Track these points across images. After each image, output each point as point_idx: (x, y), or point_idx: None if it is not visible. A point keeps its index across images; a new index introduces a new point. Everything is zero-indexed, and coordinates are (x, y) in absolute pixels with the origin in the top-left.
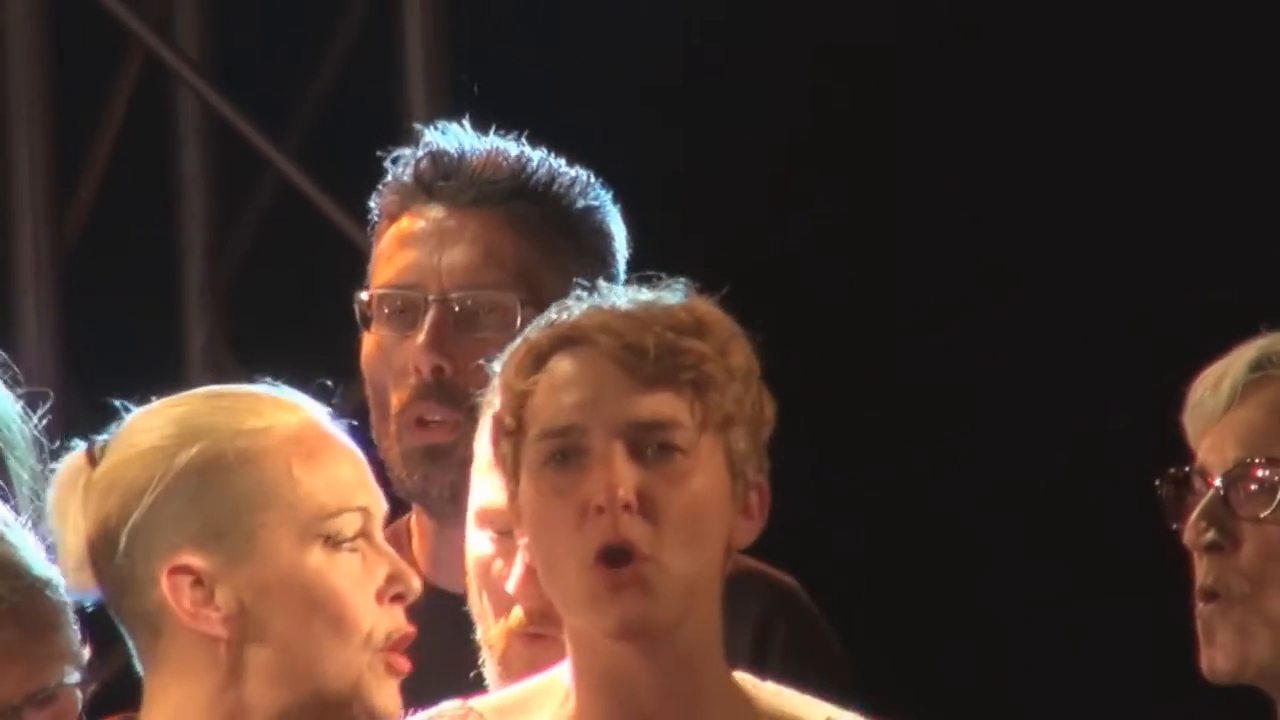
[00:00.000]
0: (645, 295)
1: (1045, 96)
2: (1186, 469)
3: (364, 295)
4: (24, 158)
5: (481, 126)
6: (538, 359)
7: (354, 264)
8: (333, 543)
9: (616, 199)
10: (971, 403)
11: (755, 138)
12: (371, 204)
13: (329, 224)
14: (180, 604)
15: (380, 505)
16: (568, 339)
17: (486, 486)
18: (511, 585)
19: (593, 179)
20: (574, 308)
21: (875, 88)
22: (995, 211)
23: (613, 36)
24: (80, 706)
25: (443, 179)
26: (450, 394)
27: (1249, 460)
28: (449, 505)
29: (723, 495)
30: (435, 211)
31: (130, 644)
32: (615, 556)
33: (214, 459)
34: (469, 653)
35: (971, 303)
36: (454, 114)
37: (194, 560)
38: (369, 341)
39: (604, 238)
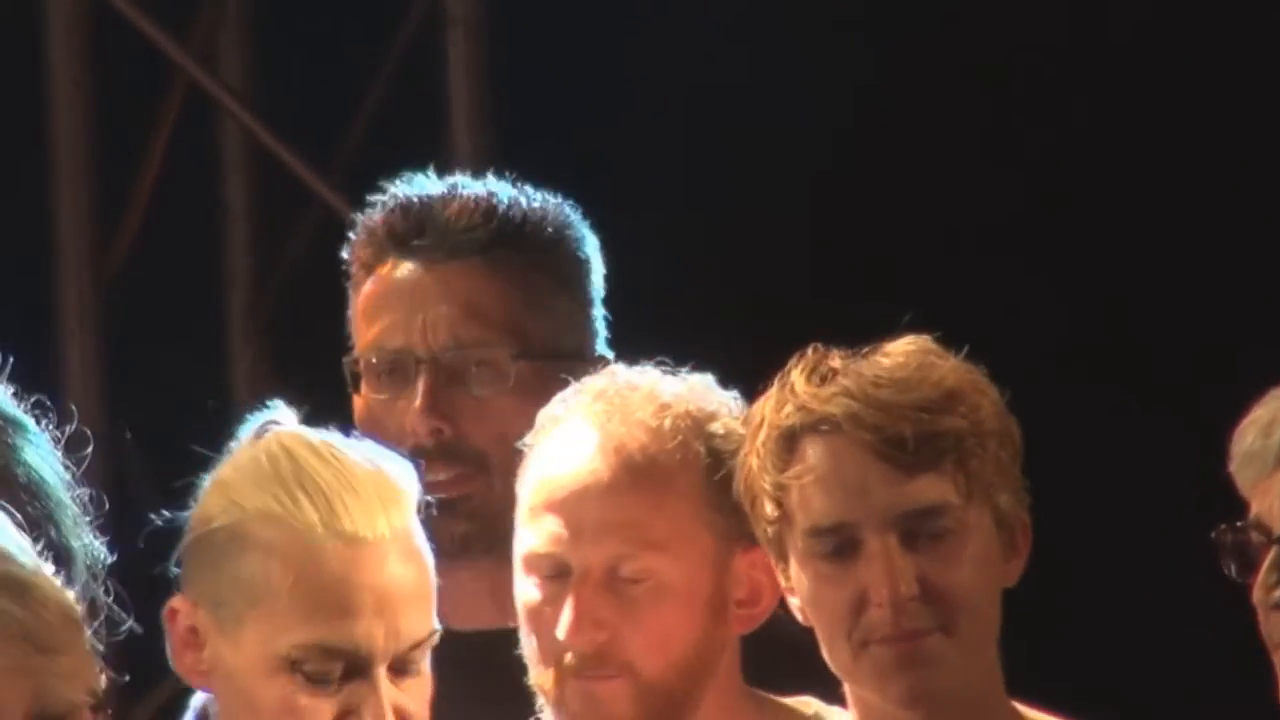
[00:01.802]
0: (882, 364)
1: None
2: (1240, 523)
3: (350, 358)
4: (67, 189)
5: (522, 155)
6: (788, 447)
7: None
8: (302, 674)
9: (647, 221)
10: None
11: (796, 171)
12: (344, 254)
13: None
14: (172, 634)
15: (398, 641)
16: (816, 427)
17: (529, 534)
18: (562, 632)
19: (559, 203)
20: (796, 382)
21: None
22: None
23: (654, 65)
24: None
25: (416, 234)
26: (452, 451)
27: None
28: (459, 553)
29: (994, 554)
30: (412, 267)
31: None
32: (899, 638)
33: (241, 532)
34: (484, 691)
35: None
36: (496, 144)
37: (195, 611)
38: (360, 404)
39: (581, 264)
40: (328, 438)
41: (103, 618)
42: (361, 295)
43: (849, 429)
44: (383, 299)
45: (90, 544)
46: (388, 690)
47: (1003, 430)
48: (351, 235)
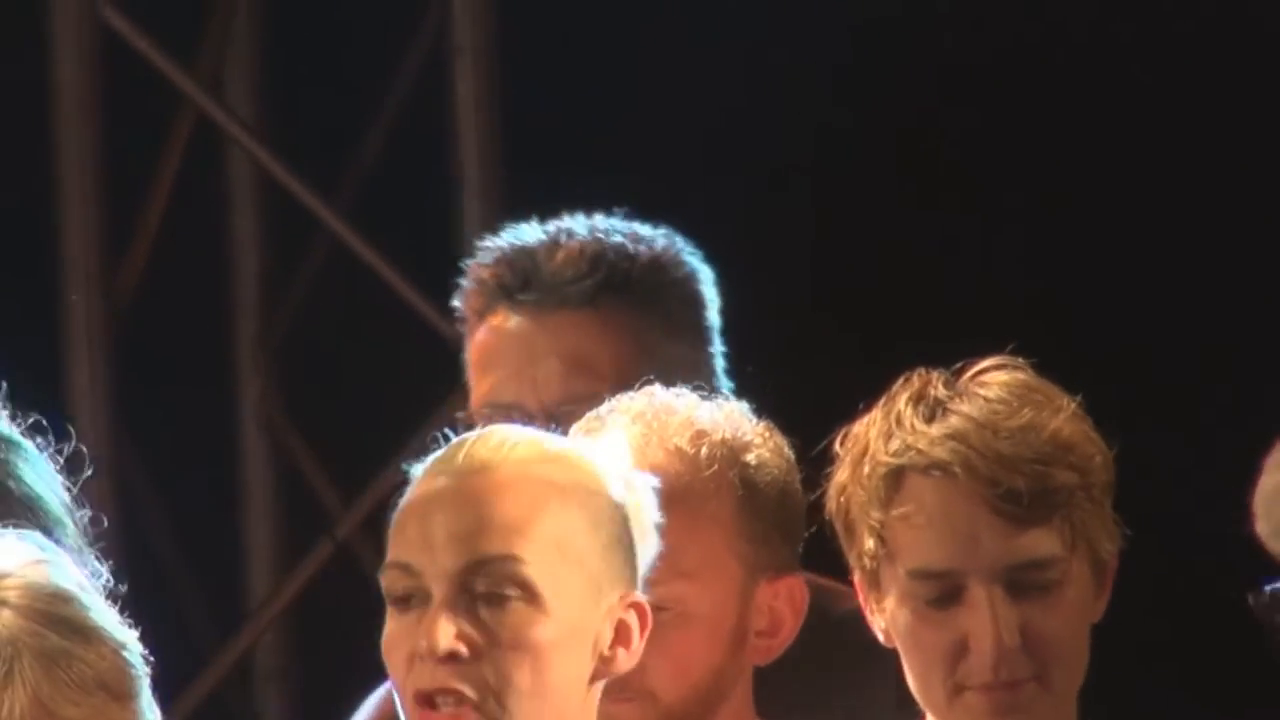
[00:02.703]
0: (992, 405)
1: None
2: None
3: (466, 413)
4: (75, 217)
5: (532, 184)
6: (896, 485)
7: (404, 320)
8: (389, 597)
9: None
10: None
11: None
12: (455, 301)
13: (380, 282)
14: None
15: (448, 566)
16: (928, 471)
17: None
18: None
19: (673, 241)
20: (908, 415)
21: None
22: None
23: (665, 92)
24: None
25: (522, 288)
26: None
27: None
28: None
29: (1090, 598)
30: (521, 320)
31: None
32: (997, 687)
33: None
34: None
35: None
36: (505, 173)
37: None
38: None
39: (694, 307)
40: None
41: None
42: (475, 344)
43: (963, 478)
44: (495, 352)
45: (91, 564)
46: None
47: (1109, 482)
48: (462, 281)
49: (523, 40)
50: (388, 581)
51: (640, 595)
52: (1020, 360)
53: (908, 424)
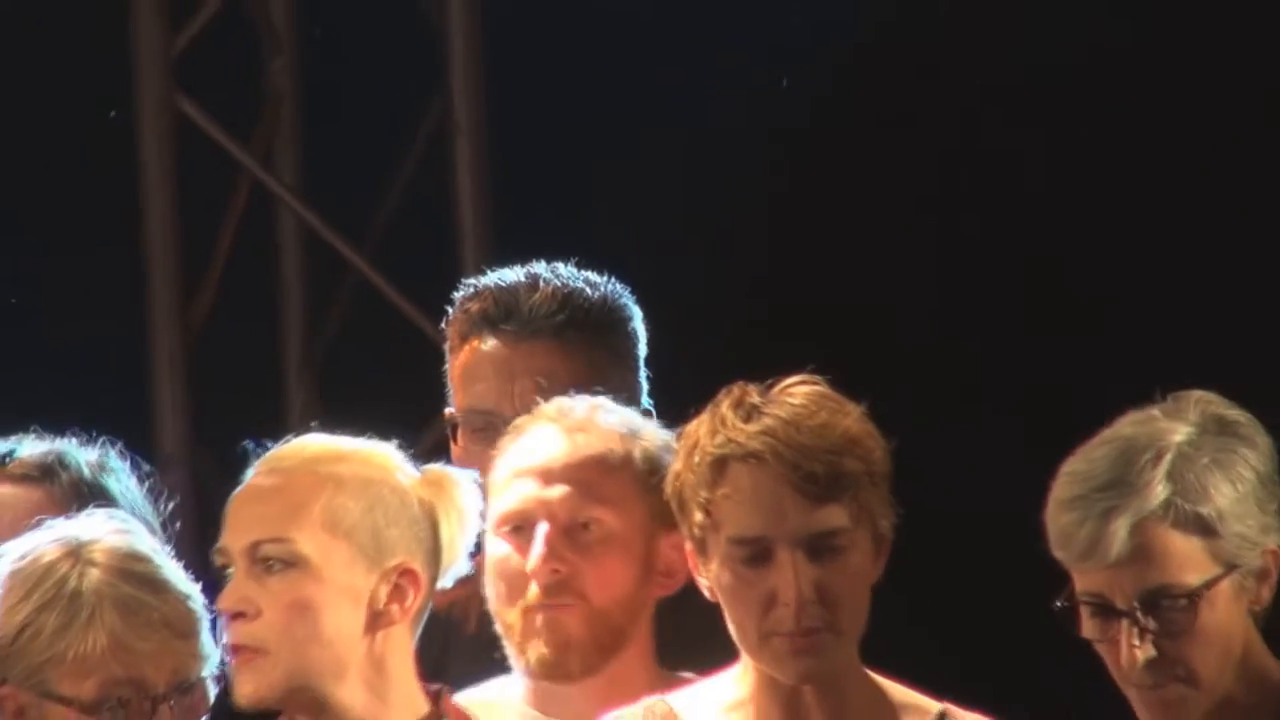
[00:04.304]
0: (796, 408)
1: None
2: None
3: (450, 412)
4: (158, 264)
5: (518, 235)
6: (719, 470)
7: (419, 344)
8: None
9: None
10: None
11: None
12: (443, 326)
13: (399, 313)
14: None
15: (240, 545)
16: (744, 458)
17: (503, 500)
18: (531, 564)
19: (616, 286)
20: (730, 417)
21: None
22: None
23: (620, 170)
24: (211, 699)
25: (504, 319)
26: None
27: None
28: None
29: (870, 561)
30: (500, 344)
31: None
32: (809, 633)
33: None
34: None
35: None
36: (496, 227)
37: None
38: (457, 450)
39: (632, 339)
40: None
41: None
42: (458, 361)
43: (772, 464)
44: (476, 368)
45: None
46: None
47: (887, 471)
48: (450, 310)
49: (510, 119)
50: (216, 560)
51: (418, 565)
52: (818, 377)
53: (729, 423)
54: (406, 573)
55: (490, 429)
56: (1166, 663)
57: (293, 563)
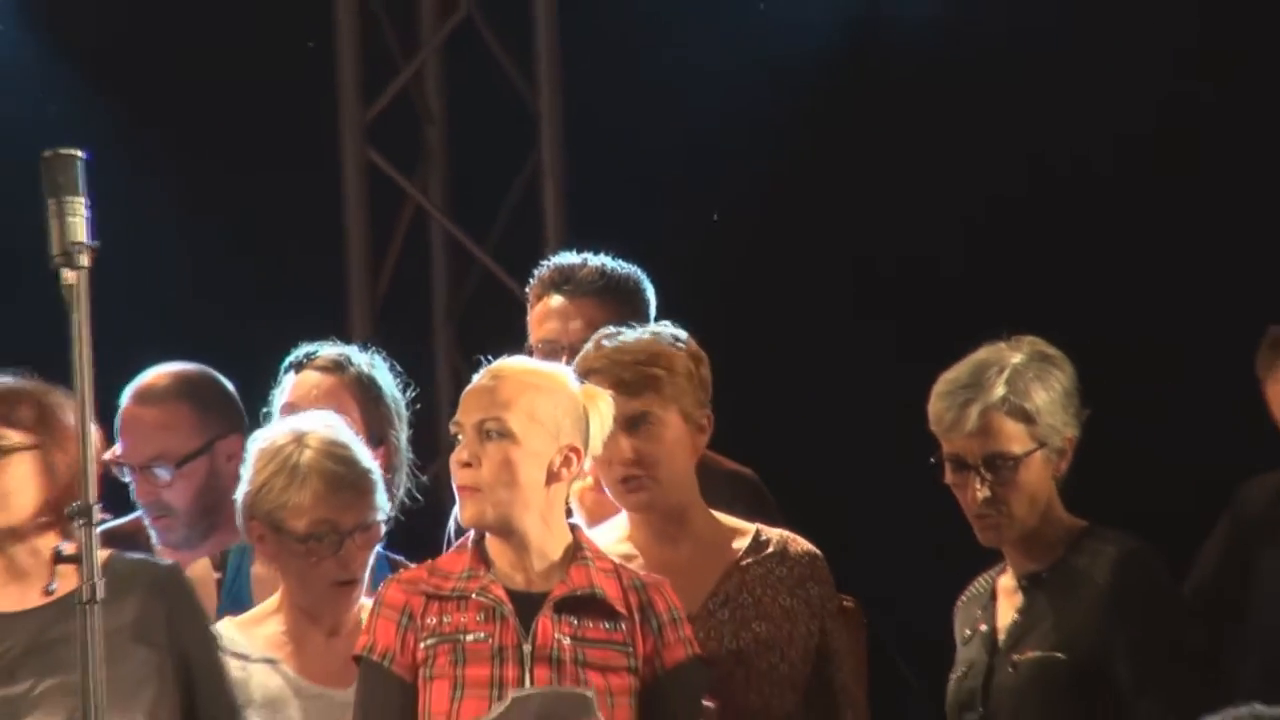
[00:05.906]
0: (632, 336)
1: None
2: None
3: (529, 344)
4: (356, 263)
5: (592, 241)
6: (580, 379)
7: (522, 312)
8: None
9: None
10: None
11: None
12: (526, 290)
13: (512, 294)
14: None
15: (469, 422)
16: (589, 370)
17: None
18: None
19: (635, 269)
20: (589, 349)
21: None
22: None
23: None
24: (382, 534)
25: (564, 282)
26: None
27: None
28: None
29: (684, 434)
30: (561, 299)
31: None
32: (629, 480)
33: None
34: None
35: None
36: (576, 238)
37: None
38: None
39: (647, 304)
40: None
41: (403, 488)
42: (535, 312)
43: (600, 368)
44: (546, 314)
45: (406, 447)
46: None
47: (688, 371)
48: (531, 278)
49: (582, 167)
50: (451, 430)
51: (580, 445)
52: (666, 329)
53: (590, 355)
54: (573, 449)
55: (554, 354)
56: (996, 502)
57: (504, 435)
